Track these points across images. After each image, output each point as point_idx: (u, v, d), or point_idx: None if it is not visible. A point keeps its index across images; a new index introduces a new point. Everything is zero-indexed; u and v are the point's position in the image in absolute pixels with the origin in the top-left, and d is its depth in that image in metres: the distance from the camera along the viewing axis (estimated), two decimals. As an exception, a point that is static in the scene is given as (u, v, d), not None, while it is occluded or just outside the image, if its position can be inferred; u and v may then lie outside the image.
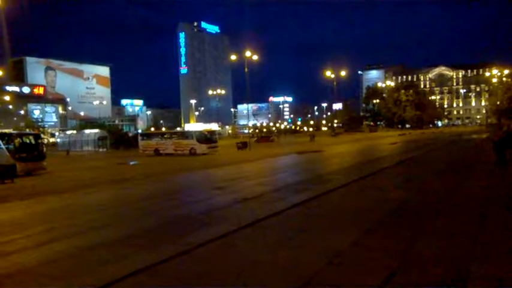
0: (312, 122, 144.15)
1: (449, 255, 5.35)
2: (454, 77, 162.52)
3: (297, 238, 6.53)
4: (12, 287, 5.13)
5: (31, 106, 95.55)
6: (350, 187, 12.26)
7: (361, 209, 8.80)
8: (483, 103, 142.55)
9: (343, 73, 77.96)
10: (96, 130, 65.13)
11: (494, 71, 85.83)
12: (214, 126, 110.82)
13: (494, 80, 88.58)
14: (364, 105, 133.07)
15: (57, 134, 78.09)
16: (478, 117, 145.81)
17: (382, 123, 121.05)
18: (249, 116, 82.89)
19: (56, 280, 5.21)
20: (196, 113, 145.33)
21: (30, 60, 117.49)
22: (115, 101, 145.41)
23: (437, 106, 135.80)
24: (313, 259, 5.38)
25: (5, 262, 6.02)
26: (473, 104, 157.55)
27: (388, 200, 9.56)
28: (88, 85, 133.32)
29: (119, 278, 4.97)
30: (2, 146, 21.48)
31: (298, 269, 5.06)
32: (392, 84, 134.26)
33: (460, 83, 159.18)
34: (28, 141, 23.69)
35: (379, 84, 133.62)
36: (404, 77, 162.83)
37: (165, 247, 6.28)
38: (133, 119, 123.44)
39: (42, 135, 33.63)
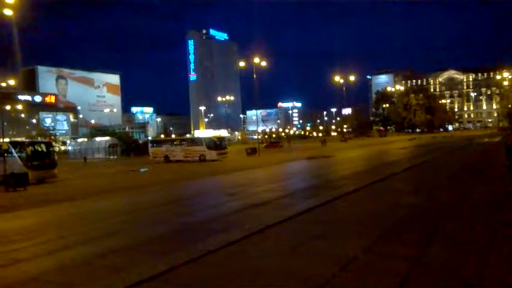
0: (321, 127, 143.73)
1: (461, 261, 5.26)
2: (464, 80, 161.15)
3: (308, 244, 6.48)
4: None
5: (43, 114, 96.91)
6: (361, 192, 12.14)
7: (373, 214, 8.71)
8: (494, 106, 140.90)
9: (352, 78, 77.79)
10: (107, 138, 65.60)
11: (505, 74, 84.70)
12: (223, 133, 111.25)
13: (505, 83, 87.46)
14: (373, 109, 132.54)
15: (68, 142, 78.93)
16: (490, 120, 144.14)
17: (392, 127, 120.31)
18: (258, 121, 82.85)
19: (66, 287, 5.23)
20: (206, 120, 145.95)
21: (41, 69, 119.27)
22: (125, 108, 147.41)
23: (448, 110, 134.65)
24: (324, 266, 5.33)
25: (17, 270, 6.07)
26: (484, 107, 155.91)
27: (399, 206, 9.45)
28: (98, 93, 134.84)
29: (130, 285, 4.96)
30: (15, 155, 21.80)
31: (310, 275, 5.01)
32: (402, 88, 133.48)
33: (471, 87, 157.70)
34: (40, 149, 24.04)
35: (389, 89, 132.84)
36: (414, 81, 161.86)
37: (176, 254, 6.27)
38: (143, 126, 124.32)
39: (53, 144, 34.02)
